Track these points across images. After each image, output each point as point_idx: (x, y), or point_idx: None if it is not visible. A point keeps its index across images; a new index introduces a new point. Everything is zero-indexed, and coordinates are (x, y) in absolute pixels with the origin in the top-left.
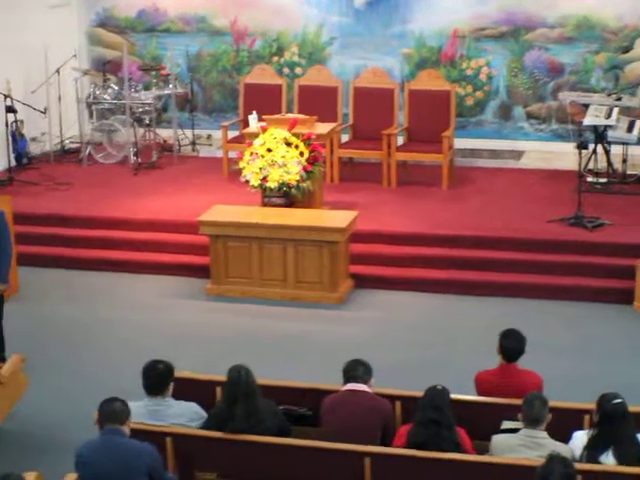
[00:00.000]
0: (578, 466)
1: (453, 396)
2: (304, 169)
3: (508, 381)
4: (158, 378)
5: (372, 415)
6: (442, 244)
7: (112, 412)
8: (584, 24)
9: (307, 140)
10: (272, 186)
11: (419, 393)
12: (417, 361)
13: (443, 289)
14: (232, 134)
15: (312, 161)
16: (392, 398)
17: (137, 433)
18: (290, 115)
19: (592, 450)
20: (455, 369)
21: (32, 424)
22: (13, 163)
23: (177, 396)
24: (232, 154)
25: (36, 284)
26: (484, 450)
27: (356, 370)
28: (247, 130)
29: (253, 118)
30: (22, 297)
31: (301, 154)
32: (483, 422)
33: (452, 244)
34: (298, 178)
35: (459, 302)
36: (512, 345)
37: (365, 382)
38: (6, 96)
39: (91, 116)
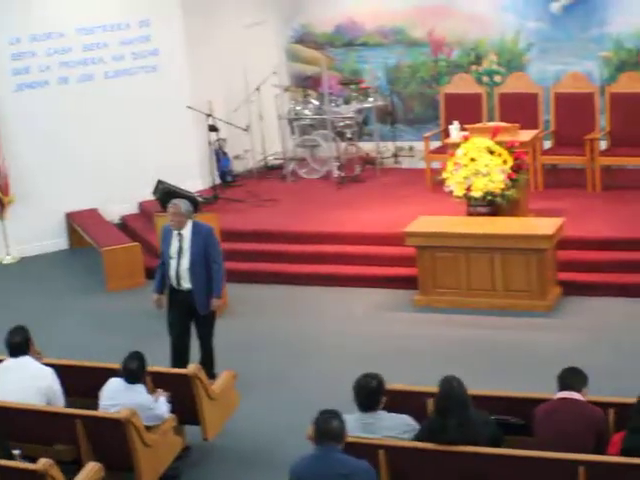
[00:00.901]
0: None
1: None
2: (508, 177)
3: None
4: (370, 393)
5: (585, 423)
6: None
7: (331, 430)
8: None
9: (510, 148)
10: (477, 195)
11: (632, 400)
12: (628, 368)
13: None
14: (434, 145)
15: (516, 169)
16: (605, 405)
17: (350, 446)
18: (492, 124)
19: None
20: None
21: (244, 440)
22: (217, 181)
23: (389, 408)
24: (435, 165)
25: (245, 300)
26: None
27: (570, 378)
28: (449, 140)
29: (455, 128)
30: (232, 313)
31: (505, 162)
32: None
33: None
34: (503, 186)
35: None
36: None
37: (578, 390)
38: (208, 115)
39: (293, 132)
